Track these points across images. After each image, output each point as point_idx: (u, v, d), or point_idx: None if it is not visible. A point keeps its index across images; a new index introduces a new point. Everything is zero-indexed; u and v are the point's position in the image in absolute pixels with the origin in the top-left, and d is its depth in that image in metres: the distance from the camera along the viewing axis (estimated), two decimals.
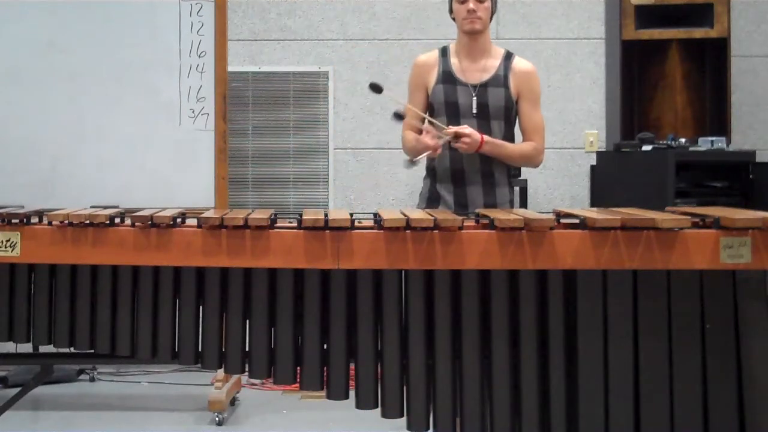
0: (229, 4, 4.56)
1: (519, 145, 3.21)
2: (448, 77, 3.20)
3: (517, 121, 3.24)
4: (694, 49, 5.18)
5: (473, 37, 3.18)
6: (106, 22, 4.41)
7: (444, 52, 3.27)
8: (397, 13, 5.53)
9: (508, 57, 3.23)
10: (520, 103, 3.20)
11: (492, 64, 3.20)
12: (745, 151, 5.08)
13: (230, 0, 4.63)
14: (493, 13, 3.24)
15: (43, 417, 4.51)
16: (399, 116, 3.05)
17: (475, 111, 3.14)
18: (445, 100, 3.17)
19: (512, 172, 3.33)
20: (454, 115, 3.16)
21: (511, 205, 3.25)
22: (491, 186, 3.18)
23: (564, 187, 5.46)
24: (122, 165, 4.36)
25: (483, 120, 3.15)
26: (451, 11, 3.25)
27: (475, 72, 3.19)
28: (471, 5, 3.14)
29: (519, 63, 3.22)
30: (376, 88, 3.11)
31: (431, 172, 3.25)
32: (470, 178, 3.17)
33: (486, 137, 3.06)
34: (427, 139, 3.04)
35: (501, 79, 3.17)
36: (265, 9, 5.55)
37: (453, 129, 3.04)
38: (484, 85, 3.17)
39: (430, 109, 3.24)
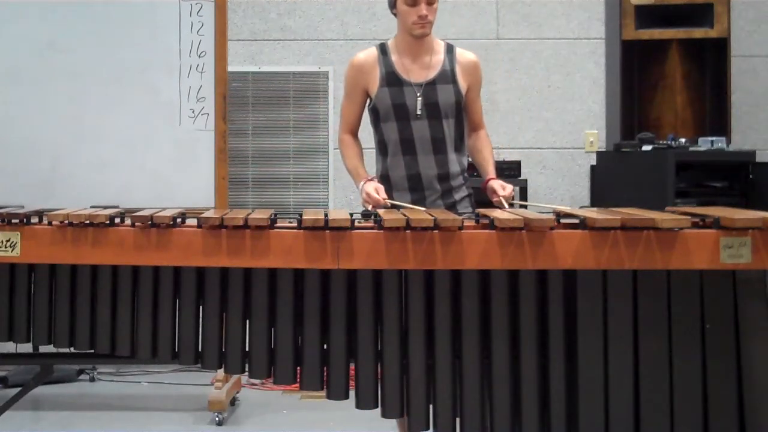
0: (229, 4, 4.56)
1: (488, 148, 3.17)
2: (392, 78, 3.06)
3: (464, 113, 3.14)
4: (694, 49, 5.18)
5: (420, 38, 3.04)
6: (106, 22, 4.41)
7: (383, 50, 3.11)
8: None
9: (450, 50, 3.11)
10: (467, 95, 3.10)
11: (436, 59, 3.07)
12: (745, 151, 5.08)
13: (230, 0, 4.63)
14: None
15: (43, 417, 4.51)
16: (367, 216, 2.88)
17: (419, 112, 3.02)
18: (392, 102, 3.04)
19: (465, 171, 3.19)
20: (402, 117, 3.04)
21: (470, 200, 3.14)
22: (449, 188, 3.08)
23: (564, 187, 5.45)
24: (122, 165, 4.36)
25: (434, 120, 3.04)
26: (393, 6, 3.06)
27: (420, 70, 3.06)
28: (423, 11, 2.97)
29: (463, 55, 3.11)
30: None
31: (384, 179, 3.10)
32: (427, 183, 3.05)
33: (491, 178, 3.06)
34: (379, 199, 2.91)
35: (449, 75, 3.05)
36: (265, 9, 5.56)
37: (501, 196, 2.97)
38: (432, 83, 3.04)
39: (375, 113, 3.11)
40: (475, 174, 3.25)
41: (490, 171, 3.10)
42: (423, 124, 3.03)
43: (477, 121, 3.18)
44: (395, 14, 3.08)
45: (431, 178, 3.06)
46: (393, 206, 2.90)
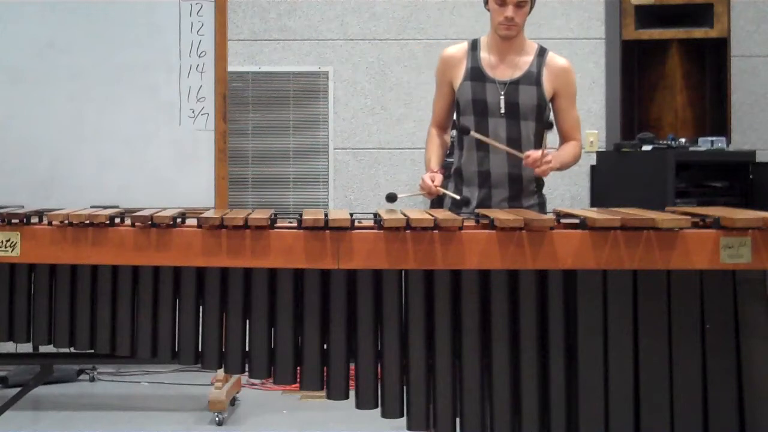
0: (229, 4, 4.56)
1: (568, 149, 3.07)
2: (476, 73, 3.05)
3: (549, 119, 3.09)
4: (694, 49, 5.18)
5: (507, 39, 3.04)
6: (106, 22, 4.41)
7: (474, 45, 3.10)
8: (397, 13, 5.53)
9: (542, 53, 3.09)
10: (556, 101, 3.06)
11: (524, 60, 3.05)
12: (745, 151, 5.09)
13: (230, 0, 4.63)
14: (531, 9, 3.08)
15: (43, 417, 4.51)
16: (392, 198, 2.95)
17: (503, 110, 3.01)
18: (473, 97, 3.03)
19: (541, 178, 3.12)
20: (481, 113, 3.03)
21: (541, 209, 3.08)
22: (518, 190, 3.05)
23: (564, 187, 5.45)
24: (122, 165, 4.36)
25: (512, 120, 3.01)
26: (486, 2, 3.06)
27: (506, 69, 3.04)
28: (509, 13, 2.97)
29: (554, 59, 3.08)
30: (391, 198, 2.97)
31: (457, 173, 3.13)
32: (497, 181, 3.04)
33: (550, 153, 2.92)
34: (431, 186, 2.95)
35: (534, 77, 3.03)
36: (265, 9, 5.56)
37: (532, 157, 2.87)
38: (515, 83, 3.02)
39: (456, 105, 3.11)
40: None
41: (515, 152, 2.98)
42: (501, 122, 3.01)
43: (567, 131, 3.09)
44: (488, 10, 3.07)
45: (501, 177, 3.04)
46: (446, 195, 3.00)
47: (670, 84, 5.17)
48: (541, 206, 3.12)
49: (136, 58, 4.40)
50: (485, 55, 3.07)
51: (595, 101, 5.49)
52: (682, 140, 4.90)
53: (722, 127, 5.10)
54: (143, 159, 4.38)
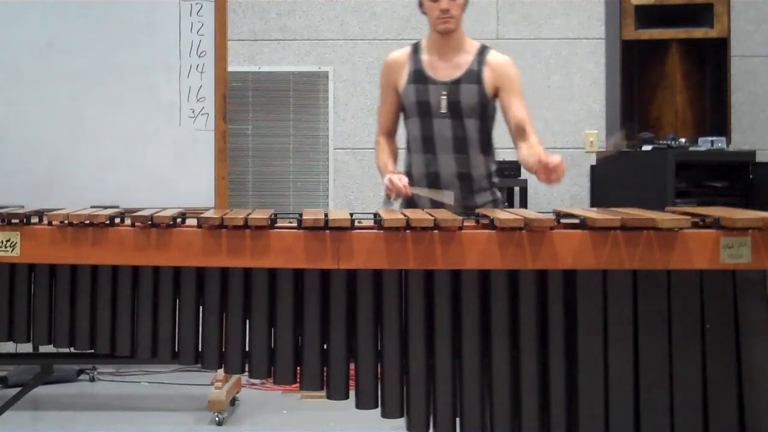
0: (229, 4, 4.56)
1: (538, 147, 2.97)
2: (419, 76, 3.06)
3: (494, 117, 3.09)
4: (694, 49, 5.18)
5: (446, 35, 3.03)
6: (106, 22, 4.41)
7: (416, 48, 3.12)
8: (397, 13, 5.53)
9: (483, 51, 3.08)
10: (501, 97, 3.05)
11: (465, 59, 3.05)
12: (745, 151, 5.09)
13: (230, 0, 4.63)
14: (465, 5, 3.05)
15: (43, 417, 4.51)
16: (389, 198, 2.92)
17: (443, 110, 3.01)
18: (417, 99, 3.04)
19: (493, 175, 3.14)
20: (425, 114, 3.04)
21: (495, 205, 3.11)
22: (469, 190, 3.06)
23: (564, 187, 5.45)
24: (122, 165, 4.37)
25: (456, 119, 3.01)
26: (420, 5, 3.07)
27: (447, 69, 3.04)
28: (444, 4, 2.96)
29: (494, 56, 3.06)
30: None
31: (407, 176, 3.09)
32: (447, 182, 3.03)
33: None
34: (401, 187, 2.91)
35: (475, 75, 3.03)
36: (265, 9, 5.56)
37: (545, 163, 2.80)
38: (457, 82, 3.02)
39: (402, 110, 3.12)
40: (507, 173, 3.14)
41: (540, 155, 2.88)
42: (445, 122, 3.01)
43: (520, 127, 3.03)
44: (424, 13, 3.07)
45: (451, 177, 3.04)
46: (415, 195, 2.95)
47: (670, 84, 5.17)
48: (495, 203, 3.12)
49: (136, 58, 4.40)
50: (426, 57, 3.08)
51: (595, 101, 5.49)
52: (682, 140, 4.90)
53: (722, 127, 5.10)
54: (143, 159, 4.38)
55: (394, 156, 3.18)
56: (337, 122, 5.51)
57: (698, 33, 5.13)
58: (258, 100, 5.50)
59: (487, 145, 3.09)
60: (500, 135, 3.19)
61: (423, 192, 3.00)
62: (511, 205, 5.15)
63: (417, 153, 3.08)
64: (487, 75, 3.04)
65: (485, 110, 3.05)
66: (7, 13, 4.41)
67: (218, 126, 4.38)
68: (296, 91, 5.52)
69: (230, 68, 4.58)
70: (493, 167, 3.15)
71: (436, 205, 2.90)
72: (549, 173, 2.81)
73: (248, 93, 5.49)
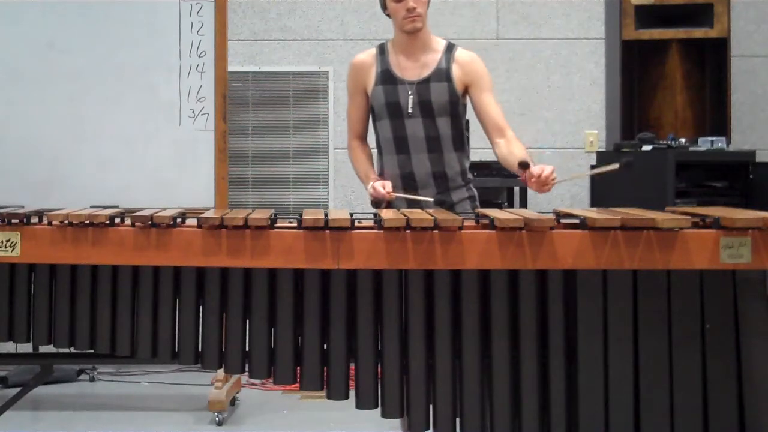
0: (229, 4, 4.56)
1: (518, 147, 2.94)
2: (387, 76, 3.03)
3: (465, 113, 3.07)
4: (694, 49, 5.18)
5: (413, 35, 3.01)
6: (106, 22, 4.41)
7: (382, 49, 3.11)
8: None
9: (450, 49, 3.05)
10: (471, 94, 3.02)
11: (433, 58, 3.03)
12: (745, 151, 5.08)
13: (230, 0, 4.63)
14: (429, 2, 3.03)
15: (43, 417, 4.51)
16: (378, 204, 2.89)
17: (410, 110, 2.99)
18: (386, 101, 3.02)
19: (468, 172, 3.12)
20: (396, 115, 3.02)
21: (471, 202, 3.09)
22: (445, 188, 3.04)
23: (564, 187, 5.45)
24: (122, 165, 4.37)
25: (427, 118, 2.99)
26: (384, 7, 3.06)
27: (415, 68, 3.02)
28: (411, 3, 2.95)
29: (461, 53, 3.04)
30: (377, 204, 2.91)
31: (381, 176, 3.09)
32: (422, 182, 3.02)
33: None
34: (385, 194, 2.89)
35: (444, 73, 3.00)
36: (265, 9, 5.56)
37: (537, 174, 2.73)
38: (426, 81, 3.00)
39: (372, 112, 3.10)
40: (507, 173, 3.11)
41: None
42: (416, 122, 3.00)
43: (496, 123, 3.00)
44: (388, 15, 3.08)
45: (426, 177, 3.03)
46: (399, 199, 2.93)
47: (670, 84, 5.17)
48: (472, 199, 3.11)
49: (136, 58, 4.40)
50: (393, 58, 3.06)
51: (595, 101, 5.49)
52: (682, 140, 4.90)
53: (722, 127, 5.10)
54: (143, 159, 4.38)
55: (371, 160, 3.18)
56: (337, 122, 5.51)
57: (698, 33, 5.13)
58: (258, 100, 5.50)
59: (459, 143, 3.08)
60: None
61: (405, 196, 2.98)
62: (511, 205, 5.15)
63: (389, 154, 3.06)
64: (456, 72, 3.02)
65: (456, 108, 3.03)
66: (7, 13, 4.41)
67: (218, 126, 4.38)
68: (296, 91, 5.52)
69: (230, 68, 4.58)
70: (467, 164, 3.14)
71: (413, 206, 2.89)
72: (541, 185, 2.78)
73: (248, 93, 5.49)
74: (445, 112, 3.01)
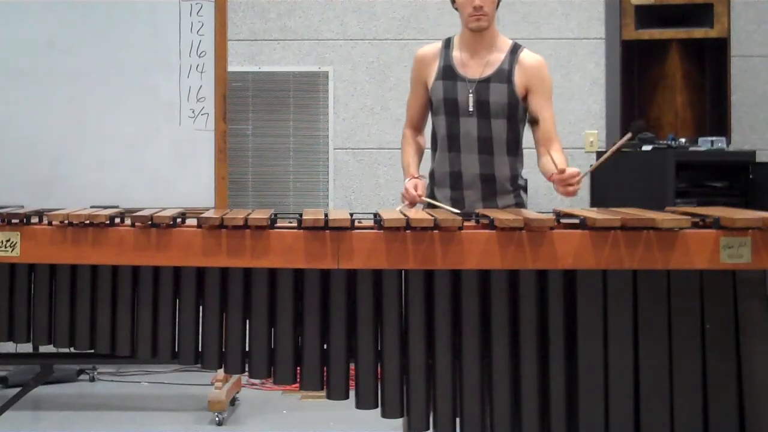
0: (229, 4, 4.56)
1: (558, 155, 2.90)
2: (448, 72, 3.00)
3: (526, 117, 3.04)
4: (694, 49, 5.18)
5: (479, 33, 2.98)
6: (106, 22, 4.41)
7: (447, 44, 3.07)
8: (397, 13, 5.53)
9: (515, 50, 3.01)
10: (530, 99, 2.98)
11: (496, 57, 2.99)
12: (745, 151, 5.09)
13: (230, 0, 4.63)
14: (498, 2, 3.01)
15: (43, 417, 4.51)
16: (413, 204, 2.86)
17: (471, 109, 2.95)
18: (444, 96, 2.99)
19: (519, 177, 3.10)
20: (452, 112, 2.98)
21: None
22: (491, 192, 3.00)
23: None
24: (122, 165, 4.37)
25: (483, 118, 2.96)
26: (453, 1, 3.04)
27: (477, 66, 2.98)
28: (478, 1, 2.91)
29: (526, 56, 3.00)
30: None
31: (431, 175, 3.10)
32: (468, 182, 3.00)
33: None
34: (414, 195, 2.89)
35: (505, 74, 2.96)
36: (265, 9, 5.56)
37: (561, 173, 2.75)
38: (486, 81, 2.96)
39: (430, 106, 3.08)
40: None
41: (559, 165, 2.82)
42: (472, 121, 2.96)
43: (547, 133, 2.96)
44: (456, 8, 3.04)
45: (473, 178, 2.99)
46: (429, 204, 2.91)
47: (670, 84, 5.17)
48: (518, 206, 3.06)
49: (136, 58, 4.40)
50: (457, 54, 3.03)
51: (595, 101, 5.49)
52: (682, 140, 4.90)
53: (722, 127, 5.10)
54: (143, 159, 4.38)
55: (420, 154, 3.15)
56: (337, 122, 5.51)
57: (698, 33, 5.13)
58: (258, 100, 5.50)
59: (514, 147, 3.03)
60: None
61: (431, 202, 2.97)
62: None
63: (442, 151, 3.03)
64: (518, 75, 2.97)
65: (514, 111, 2.98)
66: (7, 13, 4.41)
67: (218, 126, 4.38)
68: (296, 91, 5.52)
69: (230, 68, 4.58)
70: (521, 169, 3.09)
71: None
72: (565, 184, 2.79)
73: (248, 93, 5.49)
74: (503, 114, 2.96)
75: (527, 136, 3.09)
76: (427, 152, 3.19)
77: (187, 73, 4.41)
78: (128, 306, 2.40)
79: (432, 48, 3.09)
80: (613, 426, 2.25)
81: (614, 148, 2.72)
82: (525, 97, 3.00)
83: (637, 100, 5.27)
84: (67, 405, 4.67)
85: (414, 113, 3.15)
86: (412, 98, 3.14)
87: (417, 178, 3.01)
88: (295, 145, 5.52)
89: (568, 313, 2.28)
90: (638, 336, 2.25)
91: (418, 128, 3.17)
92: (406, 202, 2.94)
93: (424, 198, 2.95)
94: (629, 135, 2.74)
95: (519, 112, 3.01)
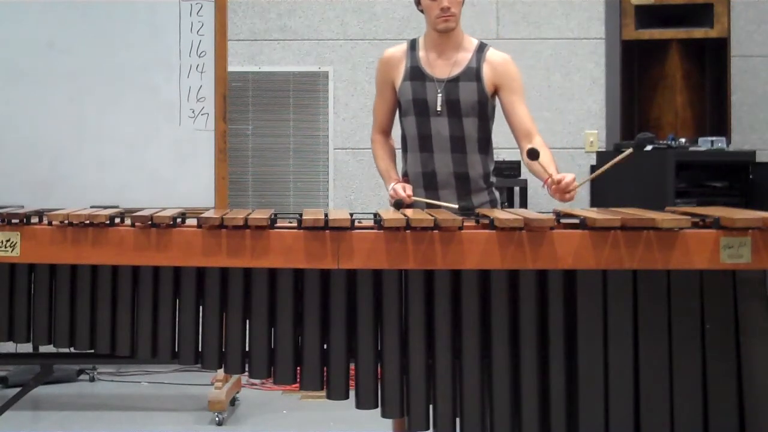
0: (229, 4, 4.56)
1: (546, 153, 2.84)
2: (416, 73, 3.00)
3: (494, 115, 3.04)
4: (694, 49, 5.18)
5: (445, 33, 2.98)
6: (106, 22, 4.41)
7: (413, 45, 3.07)
8: (397, 13, 5.53)
9: (481, 49, 3.02)
10: (501, 96, 2.99)
11: (464, 56, 3.00)
12: (745, 151, 5.09)
13: (230, 0, 4.63)
14: (463, 2, 3.00)
15: (43, 417, 4.51)
16: (399, 205, 2.84)
17: (439, 109, 2.96)
18: (413, 97, 2.99)
19: (491, 175, 3.09)
20: (422, 113, 2.99)
21: (493, 206, 3.06)
22: (466, 190, 3.01)
23: None
24: (122, 165, 4.37)
25: (454, 118, 2.96)
26: (418, 2, 3.01)
27: (445, 66, 2.99)
28: (445, 2, 2.90)
29: (493, 54, 3.01)
30: (398, 205, 2.85)
31: (403, 176, 3.09)
32: (443, 182, 3.00)
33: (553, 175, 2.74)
34: (405, 197, 2.89)
35: (473, 72, 2.97)
36: (265, 9, 5.56)
37: (558, 180, 2.70)
38: (455, 80, 2.97)
39: (398, 107, 3.08)
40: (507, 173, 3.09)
41: (552, 172, 2.78)
42: (443, 121, 2.97)
43: (525, 127, 2.96)
44: (421, 10, 3.03)
45: (447, 177, 3.00)
46: (419, 203, 2.92)
47: (670, 84, 5.17)
48: (493, 203, 3.08)
49: (136, 58, 4.40)
50: (424, 54, 3.03)
51: (595, 101, 5.49)
52: (682, 140, 4.90)
53: (722, 127, 5.10)
54: (143, 159, 4.38)
55: (393, 157, 3.16)
56: (337, 122, 5.51)
57: (698, 33, 5.13)
58: (258, 100, 5.50)
59: (485, 145, 3.05)
60: (502, 134, 3.18)
61: (426, 201, 2.97)
62: (511, 205, 5.15)
63: (413, 152, 3.04)
64: (487, 72, 2.99)
65: (484, 109, 3.00)
66: (7, 13, 4.41)
67: (218, 126, 4.38)
68: (296, 91, 5.52)
69: (230, 68, 4.58)
70: (492, 167, 3.11)
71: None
72: (562, 192, 2.75)
73: (248, 93, 5.49)
74: (473, 113, 2.98)
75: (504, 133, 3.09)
76: (398, 153, 3.19)
77: (187, 73, 4.41)
78: (128, 306, 2.40)
79: (397, 50, 3.09)
80: (613, 426, 2.25)
81: (614, 161, 2.70)
82: (494, 94, 3.02)
83: (637, 100, 5.27)
84: (67, 405, 4.67)
85: (382, 117, 3.15)
86: (380, 101, 3.14)
87: (400, 181, 3.02)
88: (295, 145, 5.52)
89: (568, 313, 2.28)
90: (638, 336, 2.25)
91: (386, 131, 3.18)
92: (398, 204, 2.92)
93: (414, 198, 2.95)
94: (630, 151, 2.73)
95: (488, 110, 3.02)
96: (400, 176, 3.12)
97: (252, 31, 5.55)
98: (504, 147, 5.35)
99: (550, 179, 2.76)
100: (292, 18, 5.55)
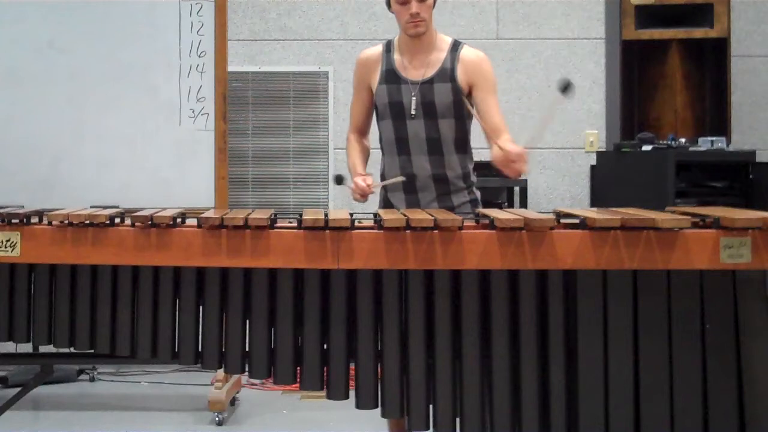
0: (229, 4, 4.56)
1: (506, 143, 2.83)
2: (391, 76, 2.99)
3: (470, 115, 2.99)
4: (694, 49, 5.18)
5: (417, 38, 2.95)
6: (106, 22, 4.41)
7: (388, 47, 3.05)
8: None
9: (456, 47, 2.99)
10: (475, 94, 2.95)
11: (437, 57, 2.97)
12: (745, 151, 5.08)
13: (230, 0, 4.63)
14: (434, 5, 2.95)
15: (43, 417, 4.51)
16: (339, 180, 2.89)
17: (413, 112, 2.95)
18: (389, 101, 2.98)
19: (471, 175, 3.07)
20: (398, 116, 2.98)
21: (473, 205, 3.04)
22: (446, 191, 3.00)
23: (564, 187, 5.45)
24: (122, 165, 4.37)
25: (429, 119, 2.95)
26: (389, 6, 2.97)
27: (419, 68, 2.97)
28: (414, 8, 2.87)
29: (467, 53, 2.97)
30: (339, 180, 2.92)
31: (382, 178, 3.07)
32: (422, 184, 2.99)
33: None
34: (365, 187, 2.90)
35: (447, 73, 2.94)
36: (265, 9, 5.56)
37: (504, 151, 2.70)
38: (429, 82, 2.94)
39: (375, 110, 3.08)
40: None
41: (503, 145, 2.75)
42: (419, 123, 2.96)
43: (493, 125, 2.91)
44: (393, 12, 3.01)
45: (426, 179, 2.99)
46: (396, 197, 2.98)
47: (670, 84, 5.17)
48: (473, 203, 3.06)
49: (136, 58, 4.40)
50: (398, 57, 3.02)
51: (595, 101, 5.49)
52: (682, 140, 4.90)
53: (722, 127, 5.10)
54: (143, 159, 4.38)
55: (365, 156, 3.15)
56: (337, 122, 5.51)
57: (698, 33, 5.13)
58: (258, 100, 5.50)
59: (462, 145, 3.02)
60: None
61: (381, 184, 3.01)
62: (511, 205, 5.15)
63: (391, 155, 3.03)
64: (461, 72, 2.95)
65: (460, 109, 2.96)
66: (7, 13, 4.41)
67: (218, 126, 4.38)
68: (296, 91, 5.52)
69: (230, 68, 4.57)
70: (471, 166, 3.09)
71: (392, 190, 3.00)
72: (509, 162, 2.72)
73: (248, 93, 5.49)
74: (449, 114, 2.96)
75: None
76: (377, 154, 3.16)
77: (187, 73, 4.41)
78: (128, 306, 2.40)
79: (374, 51, 3.08)
80: (613, 426, 2.25)
81: (546, 114, 2.67)
82: (469, 94, 2.99)
83: (637, 100, 5.27)
84: (67, 405, 4.67)
85: (358, 117, 3.15)
86: (356, 102, 3.14)
87: (364, 174, 3.02)
88: (295, 145, 5.51)
89: (568, 313, 2.28)
90: (638, 336, 2.26)
91: (363, 132, 3.17)
92: (358, 197, 2.95)
93: (374, 185, 2.95)
94: (559, 95, 2.64)
95: (464, 109, 2.98)
96: (374, 174, 3.09)
97: (252, 31, 5.55)
98: None
99: (496, 154, 2.75)
100: (292, 18, 5.55)
